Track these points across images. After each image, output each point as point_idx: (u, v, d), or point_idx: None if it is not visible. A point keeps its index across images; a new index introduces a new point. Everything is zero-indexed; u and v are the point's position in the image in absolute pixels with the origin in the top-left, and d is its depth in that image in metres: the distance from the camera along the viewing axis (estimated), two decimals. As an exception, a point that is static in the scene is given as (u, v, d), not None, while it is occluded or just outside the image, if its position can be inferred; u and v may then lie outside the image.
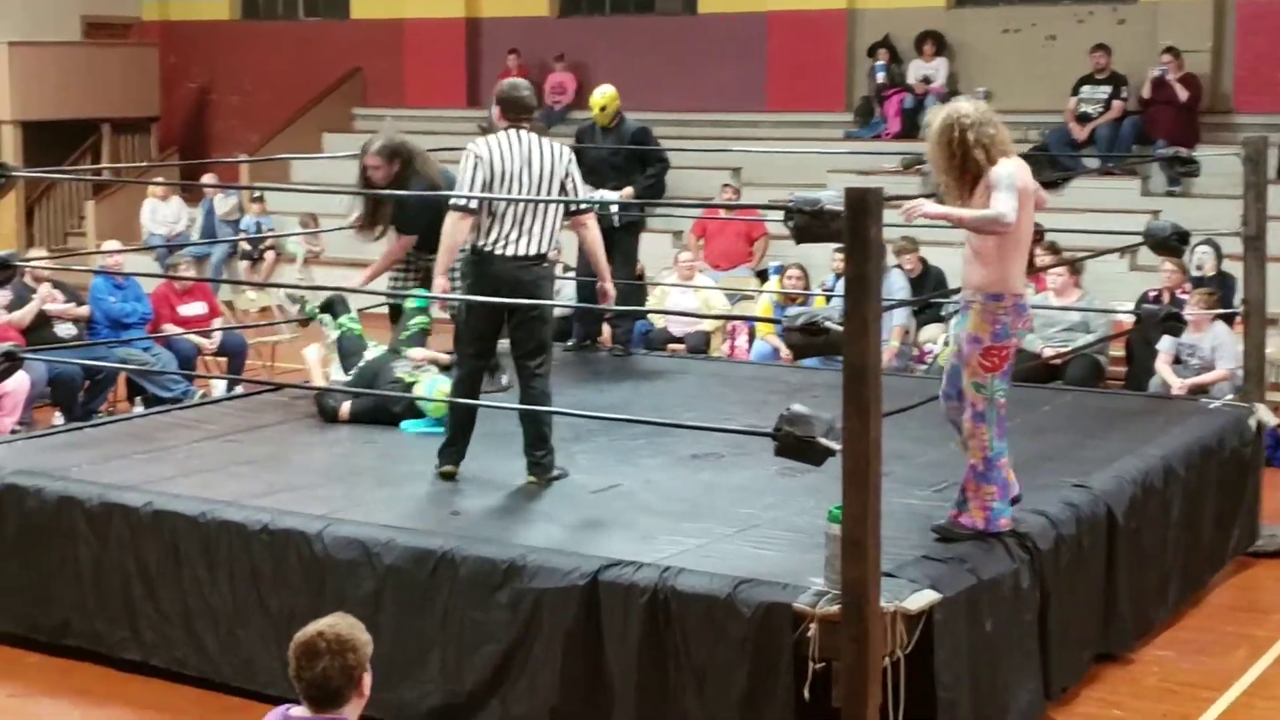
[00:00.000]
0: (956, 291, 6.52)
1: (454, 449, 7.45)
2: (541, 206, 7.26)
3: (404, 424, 8.43)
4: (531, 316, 7.29)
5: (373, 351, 9.06)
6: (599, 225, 10.49)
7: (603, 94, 10.87)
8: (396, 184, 8.54)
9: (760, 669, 5.64)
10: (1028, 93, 16.90)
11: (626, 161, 10.89)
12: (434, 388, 8.47)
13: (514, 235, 7.22)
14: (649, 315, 12.87)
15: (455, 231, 7.29)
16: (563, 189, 7.37)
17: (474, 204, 7.21)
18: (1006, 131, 6.19)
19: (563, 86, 19.22)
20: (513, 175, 7.23)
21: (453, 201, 7.30)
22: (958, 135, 6.05)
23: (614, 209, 10.61)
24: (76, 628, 7.14)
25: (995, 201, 5.95)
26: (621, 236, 10.82)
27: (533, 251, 7.26)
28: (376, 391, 8.51)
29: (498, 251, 7.21)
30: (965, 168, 6.06)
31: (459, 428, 7.44)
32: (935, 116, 6.20)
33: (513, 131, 7.35)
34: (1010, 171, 6.04)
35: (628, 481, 7.37)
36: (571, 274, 11.07)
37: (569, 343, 11.03)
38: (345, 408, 8.62)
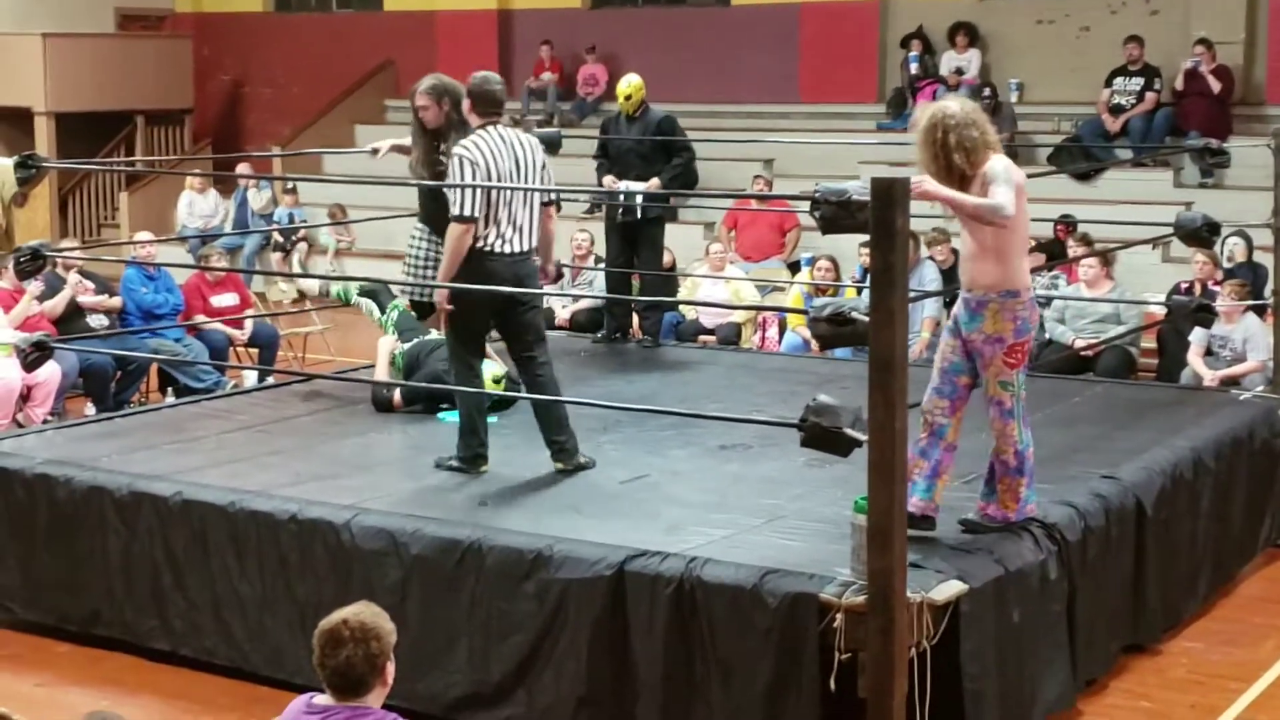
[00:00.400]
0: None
1: (482, 455, 7.44)
2: (530, 203, 7.28)
3: (441, 414, 8.43)
4: (532, 308, 7.38)
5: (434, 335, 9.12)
6: (626, 216, 10.55)
7: (628, 83, 10.87)
8: (446, 126, 8.41)
9: (786, 659, 5.64)
10: (1061, 84, 16.83)
11: (652, 151, 10.87)
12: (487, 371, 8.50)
13: (510, 233, 7.25)
14: (679, 307, 12.87)
15: (461, 242, 7.18)
16: (541, 179, 7.40)
17: (477, 211, 7.15)
18: (992, 131, 6.14)
19: (595, 78, 19.22)
20: (506, 174, 7.23)
21: (457, 213, 7.17)
22: (940, 136, 6.02)
23: (639, 200, 10.61)
24: (106, 617, 7.18)
25: (994, 194, 5.90)
26: (648, 228, 10.82)
27: (527, 247, 7.33)
28: (425, 385, 8.48)
29: (497, 250, 7.22)
30: (950, 169, 6.02)
31: (478, 428, 7.45)
32: (922, 115, 6.16)
33: (493, 129, 7.33)
34: (1006, 165, 6.01)
35: (655, 472, 7.38)
36: (601, 266, 11.06)
37: (599, 334, 11.04)
38: (398, 397, 8.64)
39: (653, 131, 10.80)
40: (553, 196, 7.75)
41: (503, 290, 7.18)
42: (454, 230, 7.19)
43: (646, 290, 11.01)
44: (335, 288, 9.72)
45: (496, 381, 8.36)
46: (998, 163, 5.99)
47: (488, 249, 7.21)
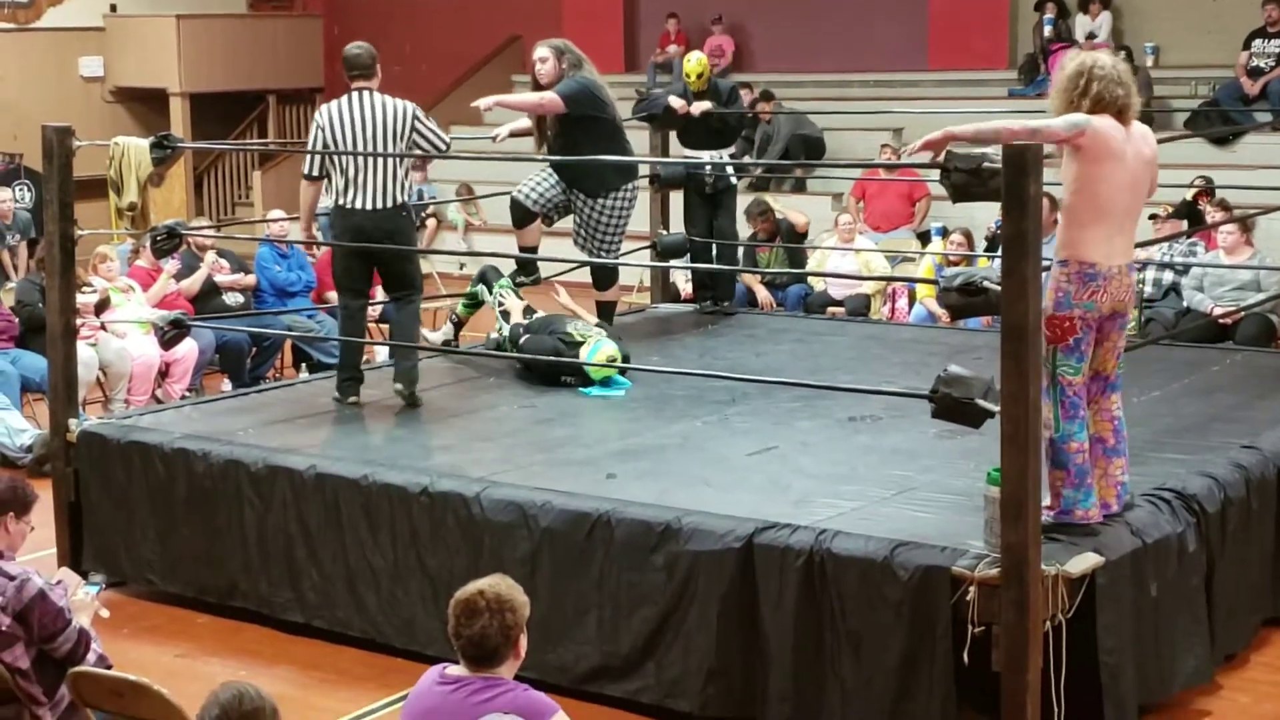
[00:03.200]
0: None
1: (351, 381, 8.26)
2: (377, 163, 7.92)
3: (588, 389, 8.45)
4: (398, 259, 8.22)
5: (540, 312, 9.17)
6: (705, 187, 10.59)
7: (697, 61, 10.84)
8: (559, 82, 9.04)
9: (918, 633, 5.58)
10: (1196, 47, 16.48)
11: (723, 122, 10.84)
12: (597, 351, 8.51)
13: (353, 192, 7.97)
14: (808, 279, 12.82)
15: (305, 195, 8.33)
16: (415, 144, 8.07)
17: (316, 170, 8.11)
18: (1137, 101, 5.86)
19: (721, 49, 19.13)
20: (346, 136, 7.94)
21: (303, 170, 8.20)
22: (1083, 84, 5.76)
23: (729, 170, 10.60)
24: (243, 589, 7.29)
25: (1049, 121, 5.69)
26: (725, 198, 10.85)
27: (382, 205, 7.98)
28: (537, 357, 8.52)
29: (349, 205, 8.00)
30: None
31: (351, 362, 8.35)
32: (1070, 62, 5.92)
33: (351, 95, 8.05)
34: (1084, 119, 5.70)
35: (784, 444, 7.33)
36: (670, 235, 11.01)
37: (725, 303, 10.96)
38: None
39: (724, 103, 10.77)
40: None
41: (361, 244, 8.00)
42: (302, 186, 8.30)
43: (724, 259, 11.01)
44: (461, 310, 9.79)
45: (611, 360, 8.42)
46: (1095, 119, 5.73)
47: (343, 204, 8.02)
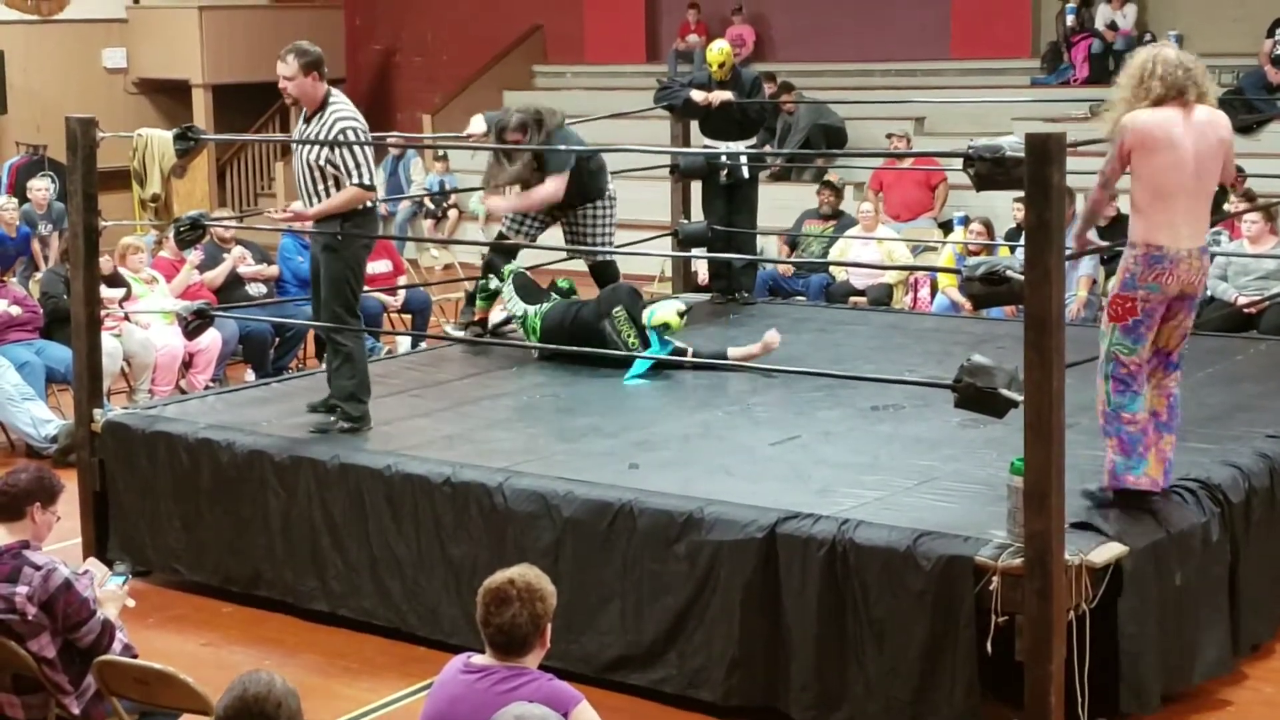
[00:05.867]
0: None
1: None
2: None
3: (627, 378, 8.48)
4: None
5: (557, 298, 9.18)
6: (730, 178, 10.54)
7: (720, 49, 10.76)
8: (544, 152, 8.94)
9: (941, 622, 5.59)
10: (1220, 36, 16.39)
11: (744, 113, 10.80)
12: (655, 315, 8.63)
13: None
14: (829, 268, 12.81)
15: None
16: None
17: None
18: (1206, 86, 6.00)
19: (742, 39, 19.08)
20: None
21: (365, 181, 7.43)
22: (1146, 82, 5.88)
23: (743, 160, 10.59)
24: (268, 578, 7.32)
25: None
26: (748, 187, 10.82)
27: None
28: (595, 350, 8.53)
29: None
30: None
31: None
32: (1135, 56, 6.07)
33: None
34: (1122, 126, 5.85)
35: (806, 434, 7.33)
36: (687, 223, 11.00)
37: (744, 295, 10.93)
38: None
39: (747, 93, 10.73)
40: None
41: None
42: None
43: (744, 248, 10.98)
44: (479, 302, 9.80)
45: (681, 315, 8.61)
46: (1140, 115, 5.83)
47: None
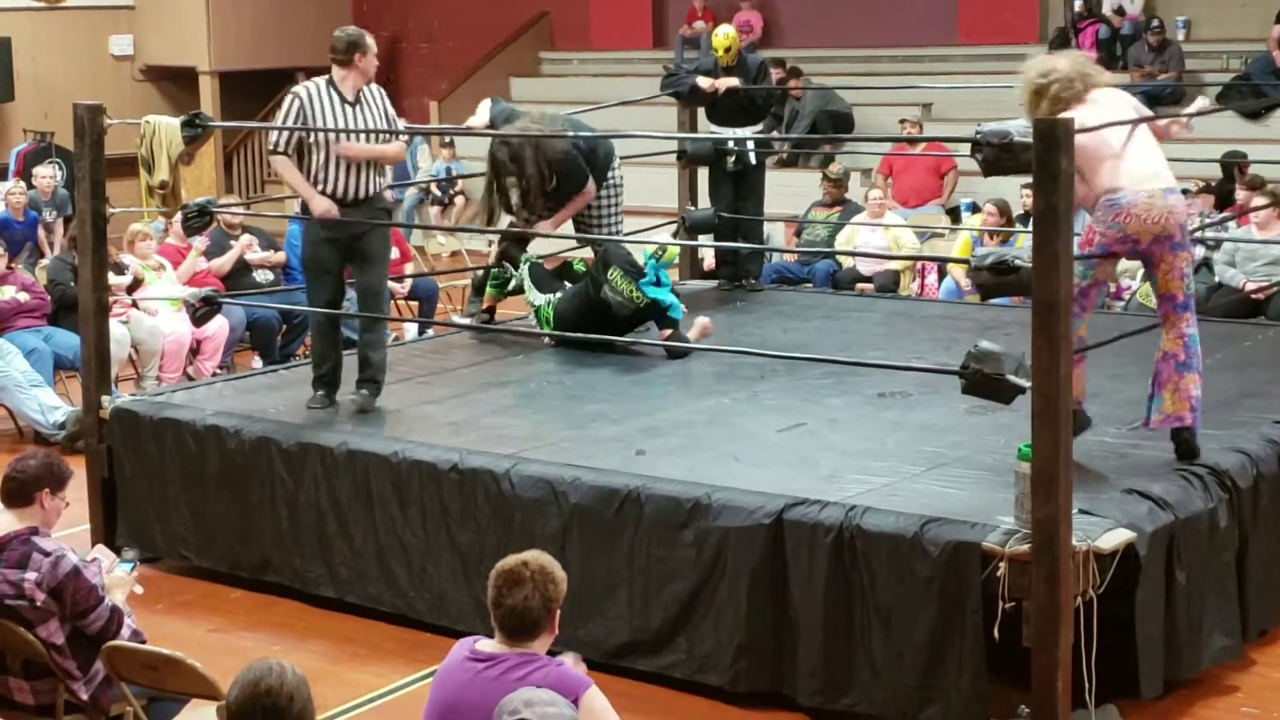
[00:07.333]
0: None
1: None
2: None
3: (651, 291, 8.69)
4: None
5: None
6: (736, 164, 10.54)
7: (725, 34, 10.75)
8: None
9: (948, 608, 5.59)
10: (1228, 21, 16.36)
11: (750, 99, 10.78)
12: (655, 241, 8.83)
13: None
14: (836, 255, 12.79)
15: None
16: None
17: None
18: (1098, 78, 6.28)
19: (749, 24, 19.05)
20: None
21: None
22: (1044, 105, 6.18)
23: (750, 146, 10.58)
24: (275, 564, 7.33)
25: None
26: (755, 174, 10.82)
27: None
28: (606, 337, 8.55)
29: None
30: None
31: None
32: (1025, 72, 6.41)
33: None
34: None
35: (813, 420, 7.33)
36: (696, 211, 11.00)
37: (751, 281, 10.91)
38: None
39: (753, 79, 10.71)
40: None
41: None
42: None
43: (752, 236, 10.97)
44: (490, 290, 9.81)
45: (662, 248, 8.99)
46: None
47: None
